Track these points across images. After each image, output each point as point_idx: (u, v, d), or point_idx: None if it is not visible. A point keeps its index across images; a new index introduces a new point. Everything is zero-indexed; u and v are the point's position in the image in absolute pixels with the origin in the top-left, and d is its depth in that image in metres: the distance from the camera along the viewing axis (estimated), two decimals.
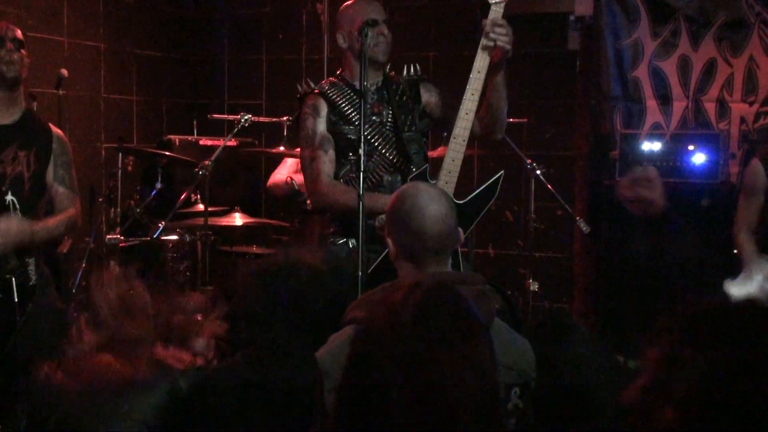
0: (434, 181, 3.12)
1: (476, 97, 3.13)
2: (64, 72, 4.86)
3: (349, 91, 3.37)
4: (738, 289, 3.14)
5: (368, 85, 3.35)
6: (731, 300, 1.29)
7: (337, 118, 3.34)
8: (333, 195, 3.27)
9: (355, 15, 3.36)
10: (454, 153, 3.14)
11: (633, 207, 2.04)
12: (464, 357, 1.40)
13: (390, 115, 3.38)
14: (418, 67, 3.56)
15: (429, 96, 3.51)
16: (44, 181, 3.41)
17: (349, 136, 3.30)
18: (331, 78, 3.51)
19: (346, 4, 3.50)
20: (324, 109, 3.35)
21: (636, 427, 1.22)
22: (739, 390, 1.10)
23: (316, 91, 3.39)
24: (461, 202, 3.18)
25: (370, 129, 3.32)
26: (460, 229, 2.34)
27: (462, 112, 3.13)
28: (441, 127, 3.62)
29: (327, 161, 3.30)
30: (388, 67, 3.51)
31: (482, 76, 3.12)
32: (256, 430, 2.03)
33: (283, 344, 2.05)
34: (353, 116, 3.31)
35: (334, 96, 3.37)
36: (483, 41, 3.11)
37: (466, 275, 2.49)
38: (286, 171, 5.17)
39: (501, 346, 2.03)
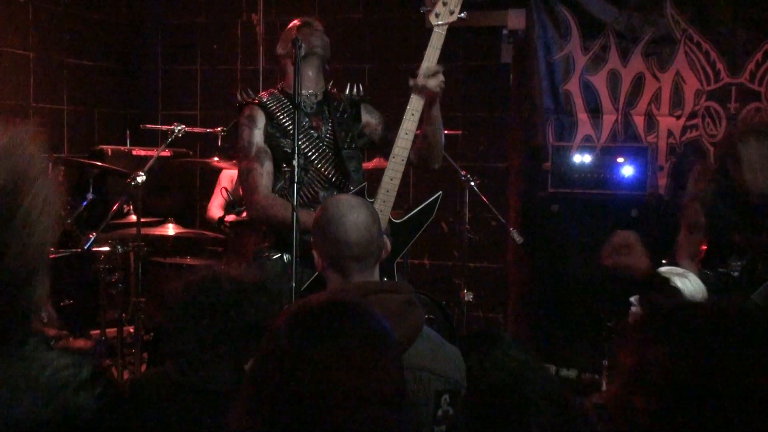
0: (372, 200, 3.12)
1: (416, 117, 3.15)
2: None
3: (287, 103, 3.36)
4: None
5: (308, 94, 3.35)
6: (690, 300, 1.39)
7: (274, 130, 3.32)
8: (270, 209, 3.25)
9: (292, 24, 3.42)
10: (392, 172, 3.15)
11: (617, 273, 2.11)
12: (350, 371, 1.36)
13: (329, 131, 3.37)
14: (360, 88, 3.56)
15: (369, 117, 3.51)
16: None
17: (285, 148, 3.28)
18: (271, 89, 3.49)
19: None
20: (261, 120, 3.32)
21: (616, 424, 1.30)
22: (705, 382, 1.19)
23: (255, 101, 3.37)
24: (398, 221, 3.20)
25: (307, 143, 3.31)
26: (386, 239, 2.36)
27: (401, 132, 3.14)
28: (380, 149, 3.62)
29: (264, 174, 3.27)
30: (330, 84, 3.51)
31: (422, 96, 3.15)
32: None
33: (207, 354, 2.08)
34: (291, 128, 3.27)
35: (273, 107, 3.35)
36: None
37: (393, 284, 2.50)
38: (217, 205, 5.17)
39: (430, 354, 2.06)
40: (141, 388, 2.25)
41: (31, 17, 5.63)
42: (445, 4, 3.15)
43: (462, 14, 3.17)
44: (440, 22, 3.16)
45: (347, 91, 3.52)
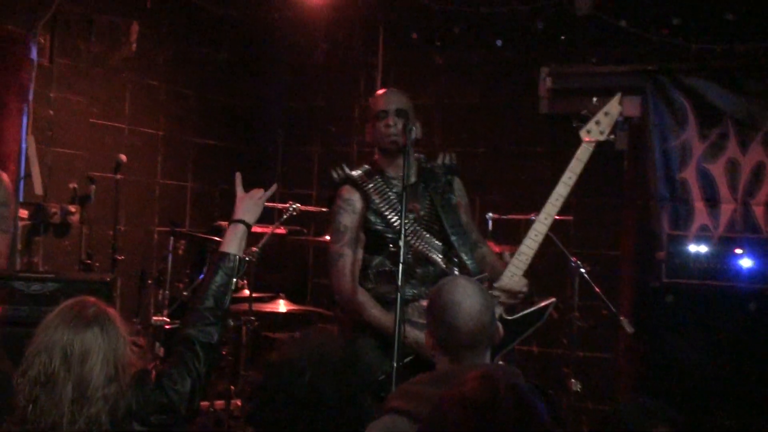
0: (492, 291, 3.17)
1: (548, 222, 3.23)
2: (123, 157, 5.06)
3: (381, 183, 3.35)
4: None
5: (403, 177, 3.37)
6: None
7: (371, 213, 3.31)
8: (356, 307, 3.23)
9: (369, 111, 3.46)
10: (515, 268, 3.21)
11: None
12: None
13: (426, 209, 3.35)
14: (453, 156, 3.54)
15: (460, 198, 3.50)
16: None
17: (378, 228, 3.28)
18: (366, 165, 3.45)
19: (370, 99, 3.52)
20: (359, 203, 3.32)
21: None
22: None
23: (352, 182, 3.36)
24: (510, 318, 3.21)
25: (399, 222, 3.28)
26: (499, 324, 2.36)
27: (532, 233, 3.22)
28: None
29: (355, 261, 3.25)
30: (421, 158, 3.48)
31: (560, 203, 3.23)
32: None
33: None
34: (385, 209, 3.30)
35: (369, 189, 3.34)
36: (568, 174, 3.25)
37: (504, 369, 2.48)
38: None
39: None
40: None
41: (163, 99, 5.96)
42: (597, 123, 3.28)
43: (611, 137, 3.24)
44: (590, 139, 3.26)
45: (440, 160, 3.50)
